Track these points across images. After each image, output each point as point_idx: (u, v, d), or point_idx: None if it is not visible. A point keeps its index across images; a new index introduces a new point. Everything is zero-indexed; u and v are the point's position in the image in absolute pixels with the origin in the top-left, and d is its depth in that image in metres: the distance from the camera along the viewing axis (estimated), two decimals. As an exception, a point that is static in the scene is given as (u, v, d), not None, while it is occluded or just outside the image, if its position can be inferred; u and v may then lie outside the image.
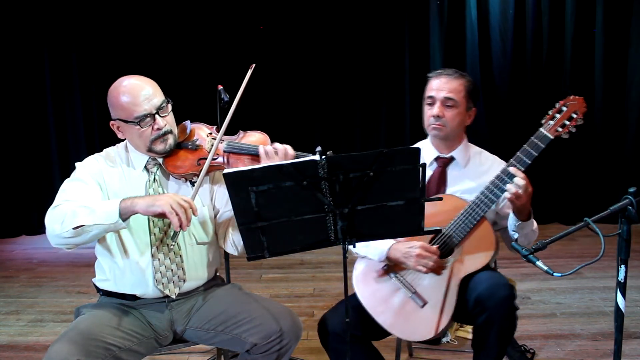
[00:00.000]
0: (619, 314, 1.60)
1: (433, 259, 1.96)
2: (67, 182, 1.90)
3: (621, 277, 1.57)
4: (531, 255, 1.58)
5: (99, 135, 5.26)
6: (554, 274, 1.54)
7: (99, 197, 1.87)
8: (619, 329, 1.61)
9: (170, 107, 1.94)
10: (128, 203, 1.71)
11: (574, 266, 1.58)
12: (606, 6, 4.91)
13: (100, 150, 2.03)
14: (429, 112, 2.13)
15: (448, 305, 1.96)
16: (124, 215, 1.71)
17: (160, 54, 5.07)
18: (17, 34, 5.08)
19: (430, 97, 2.13)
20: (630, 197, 1.52)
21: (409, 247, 1.99)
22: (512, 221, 2.03)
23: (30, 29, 5.10)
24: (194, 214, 1.74)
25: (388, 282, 2.07)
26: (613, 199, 1.57)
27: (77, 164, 1.95)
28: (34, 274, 4.18)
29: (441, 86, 2.11)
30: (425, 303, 1.99)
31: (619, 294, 1.58)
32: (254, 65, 1.98)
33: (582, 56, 5.02)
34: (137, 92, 1.86)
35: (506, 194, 1.90)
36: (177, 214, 1.68)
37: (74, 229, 1.70)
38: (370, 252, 2.07)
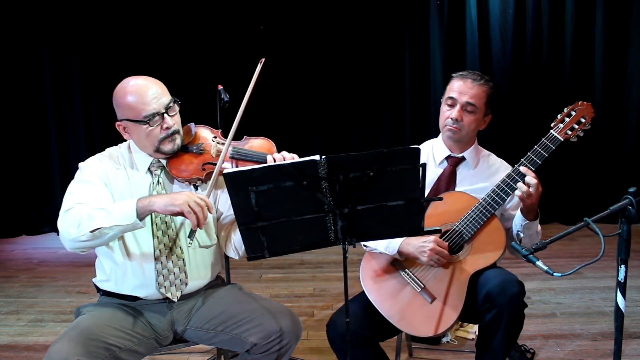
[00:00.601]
0: (619, 314, 1.60)
1: (445, 254, 1.98)
2: (73, 184, 1.88)
3: (621, 277, 1.57)
4: (531, 255, 1.58)
5: (99, 135, 5.26)
6: (554, 274, 1.55)
7: (107, 197, 1.86)
8: (619, 329, 1.61)
9: (177, 107, 1.93)
10: (145, 202, 1.71)
11: (574, 266, 1.58)
12: (606, 6, 4.91)
13: (101, 150, 2.02)
14: (448, 113, 2.12)
15: (457, 300, 1.97)
16: (141, 215, 1.71)
17: (160, 54, 5.07)
18: (17, 34, 5.09)
19: (452, 98, 2.11)
20: (630, 197, 1.53)
21: (422, 242, 1.99)
22: (518, 221, 2.03)
23: (30, 29, 5.10)
24: (209, 212, 1.75)
25: (397, 278, 2.07)
26: (613, 199, 1.57)
27: (80, 165, 1.94)
28: (34, 274, 4.18)
29: (465, 90, 2.09)
30: (434, 299, 2.00)
31: (619, 294, 1.58)
32: (263, 60, 1.96)
33: (582, 56, 5.03)
34: (145, 92, 1.85)
35: (517, 192, 1.92)
36: (194, 213, 1.69)
37: (91, 232, 1.69)
38: (381, 244, 2.07)
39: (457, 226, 2.02)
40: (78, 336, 1.72)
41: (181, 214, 1.70)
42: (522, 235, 2.04)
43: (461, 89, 2.10)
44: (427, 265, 2.01)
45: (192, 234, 1.83)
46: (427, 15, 5.13)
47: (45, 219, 5.31)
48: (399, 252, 2.04)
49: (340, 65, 5.24)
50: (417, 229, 1.69)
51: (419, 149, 1.59)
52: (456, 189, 2.15)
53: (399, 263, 2.07)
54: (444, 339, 2.83)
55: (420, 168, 1.58)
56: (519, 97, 5.12)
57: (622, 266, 1.57)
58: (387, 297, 2.05)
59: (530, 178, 1.91)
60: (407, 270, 2.06)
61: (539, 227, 2.05)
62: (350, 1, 5.16)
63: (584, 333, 2.94)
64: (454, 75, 2.17)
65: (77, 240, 1.72)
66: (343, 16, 5.17)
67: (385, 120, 5.36)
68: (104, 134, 5.20)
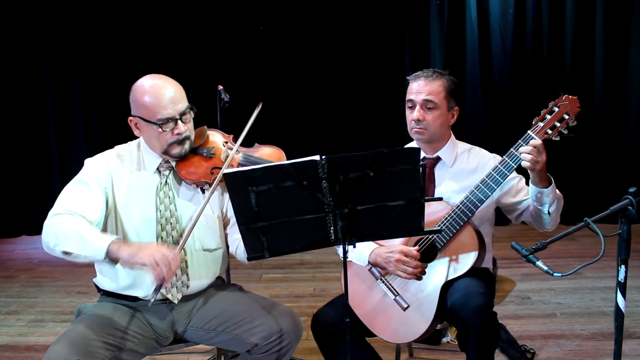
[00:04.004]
0: (619, 314, 1.60)
1: (413, 264, 1.96)
2: (72, 183, 1.88)
3: (621, 277, 1.57)
4: (531, 255, 1.57)
5: (99, 135, 5.25)
6: (554, 274, 1.54)
7: (99, 206, 1.86)
8: (619, 329, 1.61)
9: (192, 114, 1.92)
10: (115, 247, 1.69)
11: (574, 266, 1.57)
12: (606, 6, 4.92)
13: (100, 150, 2.01)
14: (410, 116, 2.12)
15: (429, 310, 1.97)
16: (111, 257, 1.70)
17: (160, 53, 5.06)
18: (17, 33, 5.08)
19: (410, 100, 2.11)
20: (630, 197, 1.52)
21: (389, 252, 2.00)
22: (534, 195, 1.97)
23: (30, 28, 5.10)
24: (174, 272, 1.70)
25: (374, 285, 2.08)
26: (613, 199, 1.57)
27: (86, 161, 1.94)
28: (34, 274, 4.18)
29: (420, 89, 2.08)
30: (408, 306, 2.00)
31: (619, 294, 1.58)
32: (261, 104, 1.96)
33: (582, 56, 5.03)
34: (163, 94, 1.85)
35: (524, 156, 1.86)
36: (158, 267, 1.65)
37: (63, 251, 1.72)
38: (355, 256, 2.09)
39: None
40: (78, 336, 1.73)
41: (145, 266, 1.66)
42: (546, 207, 1.95)
43: (417, 89, 2.09)
44: (394, 275, 2.01)
45: (156, 289, 1.70)
46: (427, 15, 5.13)
47: (45, 219, 5.29)
48: (369, 262, 2.06)
49: (340, 65, 5.24)
50: (417, 229, 1.69)
51: (418, 149, 1.59)
52: (436, 189, 2.14)
53: (377, 270, 2.08)
54: (444, 339, 2.83)
55: (420, 168, 1.58)
56: (519, 97, 5.12)
57: (622, 266, 1.56)
58: (364, 303, 2.08)
59: (534, 142, 1.85)
60: (383, 277, 2.07)
61: (558, 191, 1.98)
62: (351, 1, 5.16)
63: (584, 333, 2.94)
64: (408, 78, 2.16)
65: (52, 250, 1.76)
66: (343, 16, 5.17)
67: (385, 120, 5.37)
68: (104, 134, 5.19)
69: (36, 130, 5.25)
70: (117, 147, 2.01)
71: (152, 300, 1.73)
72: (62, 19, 5.11)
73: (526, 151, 1.86)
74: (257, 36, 5.15)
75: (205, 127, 2.03)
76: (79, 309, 1.97)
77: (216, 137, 2.01)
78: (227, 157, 1.94)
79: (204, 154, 1.95)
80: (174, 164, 1.95)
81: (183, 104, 1.88)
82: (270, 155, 2.00)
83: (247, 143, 1.95)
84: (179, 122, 1.87)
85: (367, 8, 5.15)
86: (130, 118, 1.92)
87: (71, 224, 1.75)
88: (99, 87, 5.13)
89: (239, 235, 1.98)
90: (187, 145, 1.91)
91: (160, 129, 1.85)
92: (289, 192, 1.54)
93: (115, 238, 1.73)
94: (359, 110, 5.38)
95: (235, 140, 2.02)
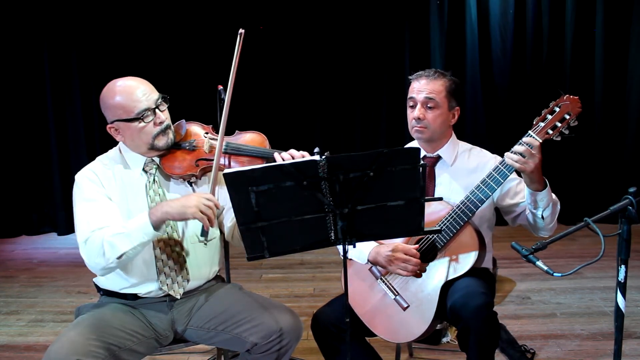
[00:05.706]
0: (619, 314, 1.60)
1: (413, 262, 1.97)
2: (79, 205, 1.87)
3: (621, 277, 1.57)
4: (531, 255, 1.57)
5: (99, 135, 5.26)
6: (554, 274, 1.54)
7: (115, 210, 1.88)
8: (619, 329, 1.61)
9: (166, 103, 1.94)
10: (159, 214, 1.75)
11: (574, 266, 1.58)
12: (606, 6, 4.92)
13: (101, 150, 2.03)
14: (411, 115, 2.12)
15: (429, 310, 1.97)
16: (158, 226, 1.76)
17: (160, 54, 5.07)
18: (17, 33, 5.09)
19: (411, 98, 2.12)
20: (630, 197, 1.52)
21: (390, 251, 2.00)
22: (529, 200, 1.97)
23: (30, 28, 5.10)
24: (217, 207, 1.79)
25: (374, 284, 2.09)
26: (613, 199, 1.57)
27: (76, 179, 1.92)
28: (34, 274, 4.18)
29: (421, 87, 2.09)
30: (408, 306, 2.00)
31: (619, 294, 1.58)
32: (242, 31, 1.92)
33: (582, 56, 5.03)
34: (134, 90, 1.87)
35: (515, 164, 1.85)
36: (206, 215, 1.74)
37: (117, 258, 1.74)
38: (355, 255, 2.09)
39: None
40: (78, 336, 1.73)
41: (194, 218, 1.75)
42: (540, 211, 1.95)
43: (418, 87, 2.10)
44: (395, 273, 2.02)
45: (205, 233, 1.85)
46: (427, 15, 5.14)
47: (45, 219, 5.31)
48: (369, 260, 2.06)
49: (340, 65, 5.24)
50: (417, 229, 1.69)
51: (419, 149, 1.59)
52: (436, 188, 2.14)
53: (377, 270, 2.08)
54: (444, 339, 2.83)
55: (420, 168, 1.58)
56: (519, 97, 5.12)
57: (622, 266, 1.56)
58: (364, 303, 2.08)
59: (531, 140, 1.85)
60: (383, 277, 2.07)
61: (554, 195, 1.97)
62: (351, 1, 5.16)
63: (584, 333, 2.94)
64: (410, 77, 2.17)
65: (106, 267, 1.78)
66: (344, 16, 5.17)
67: (385, 120, 5.37)
68: (104, 134, 5.13)
69: (36, 130, 5.26)
70: (99, 158, 2.02)
71: (204, 241, 1.95)
72: (62, 19, 5.11)
73: (519, 151, 1.85)
74: (257, 36, 5.15)
75: (183, 121, 2.03)
76: (78, 309, 1.97)
77: (196, 129, 2.02)
78: (210, 147, 1.95)
79: (187, 147, 1.96)
80: (158, 161, 1.96)
81: (155, 94, 1.91)
82: (251, 140, 2.00)
83: (227, 131, 1.95)
84: (157, 111, 1.89)
85: (367, 8, 5.15)
86: (109, 126, 1.93)
87: (104, 233, 1.77)
88: (99, 87, 5.07)
89: (233, 222, 2.00)
90: (171, 135, 1.93)
91: (142, 123, 1.86)
92: (289, 192, 1.54)
93: (146, 212, 1.78)
94: (359, 110, 5.39)
95: (214, 129, 2.02)
